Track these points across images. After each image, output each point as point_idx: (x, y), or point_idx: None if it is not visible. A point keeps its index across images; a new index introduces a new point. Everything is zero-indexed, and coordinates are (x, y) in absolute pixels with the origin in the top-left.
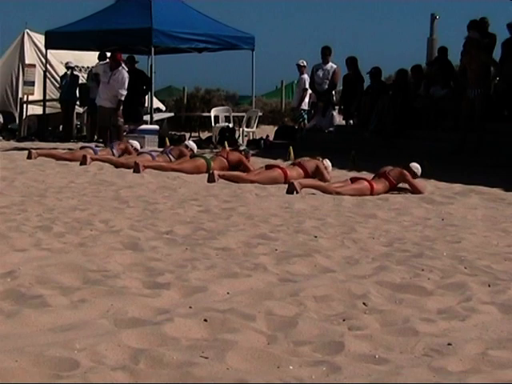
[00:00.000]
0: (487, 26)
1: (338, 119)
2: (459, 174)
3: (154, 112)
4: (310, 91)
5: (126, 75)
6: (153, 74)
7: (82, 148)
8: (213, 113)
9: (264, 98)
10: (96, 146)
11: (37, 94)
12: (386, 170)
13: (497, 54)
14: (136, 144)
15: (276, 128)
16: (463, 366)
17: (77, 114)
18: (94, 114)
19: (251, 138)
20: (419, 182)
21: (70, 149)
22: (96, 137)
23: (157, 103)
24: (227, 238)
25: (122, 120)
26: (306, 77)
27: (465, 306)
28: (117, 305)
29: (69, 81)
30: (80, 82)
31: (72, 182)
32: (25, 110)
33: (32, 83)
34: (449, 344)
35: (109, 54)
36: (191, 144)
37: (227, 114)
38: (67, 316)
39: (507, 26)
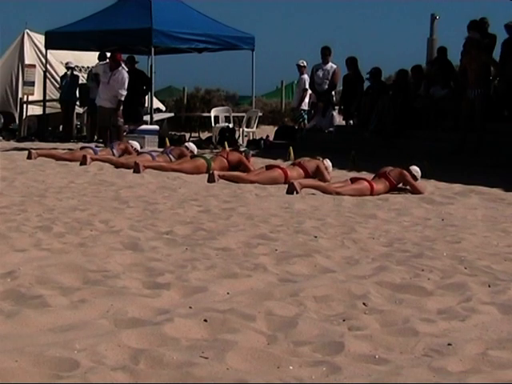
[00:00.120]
0: (487, 27)
1: (338, 119)
2: (459, 174)
3: (154, 112)
4: (309, 91)
5: (126, 75)
6: (153, 74)
7: (82, 148)
8: (213, 113)
9: (264, 98)
10: (96, 146)
11: (37, 94)
12: (386, 171)
13: (497, 54)
14: (136, 144)
15: (276, 128)
16: (463, 366)
17: (77, 114)
18: (94, 114)
19: (251, 138)
20: (419, 183)
21: (70, 149)
22: (96, 137)
23: (157, 103)
24: (227, 238)
25: (121, 120)
26: (305, 77)
27: (465, 307)
28: (117, 305)
29: (69, 81)
30: (80, 82)
31: (72, 182)
32: (25, 110)
33: (32, 83)
34: (449, 344)
35: (109, 54)
36: (191, 146)
37: (227, 115)
38: (67, 316)
39: (505, 27)
